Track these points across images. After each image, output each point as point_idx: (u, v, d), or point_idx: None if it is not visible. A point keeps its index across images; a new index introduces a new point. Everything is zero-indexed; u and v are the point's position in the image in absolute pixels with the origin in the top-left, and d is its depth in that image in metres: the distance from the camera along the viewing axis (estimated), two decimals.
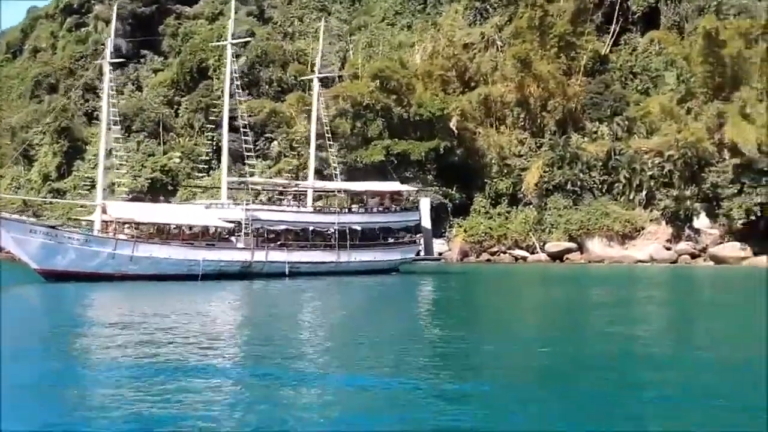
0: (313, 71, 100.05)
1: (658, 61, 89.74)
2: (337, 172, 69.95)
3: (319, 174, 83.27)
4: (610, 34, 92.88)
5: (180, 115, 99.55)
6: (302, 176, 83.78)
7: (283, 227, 58.98)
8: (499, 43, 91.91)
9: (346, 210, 64.51)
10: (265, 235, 58.22)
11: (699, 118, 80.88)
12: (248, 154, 64.47)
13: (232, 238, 57.30)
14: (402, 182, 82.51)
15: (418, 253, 65.63)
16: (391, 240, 64.36)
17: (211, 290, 46.91)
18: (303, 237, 60.12)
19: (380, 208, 65.73)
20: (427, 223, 65.85)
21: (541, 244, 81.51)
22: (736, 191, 76.22)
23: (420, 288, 53.60)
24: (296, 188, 68.56)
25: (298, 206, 64.16)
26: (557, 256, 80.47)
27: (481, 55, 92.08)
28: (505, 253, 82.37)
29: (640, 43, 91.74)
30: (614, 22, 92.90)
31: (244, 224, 56.81)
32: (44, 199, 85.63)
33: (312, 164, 69.18)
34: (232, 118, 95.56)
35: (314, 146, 69.58)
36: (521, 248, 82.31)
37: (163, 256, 52.91)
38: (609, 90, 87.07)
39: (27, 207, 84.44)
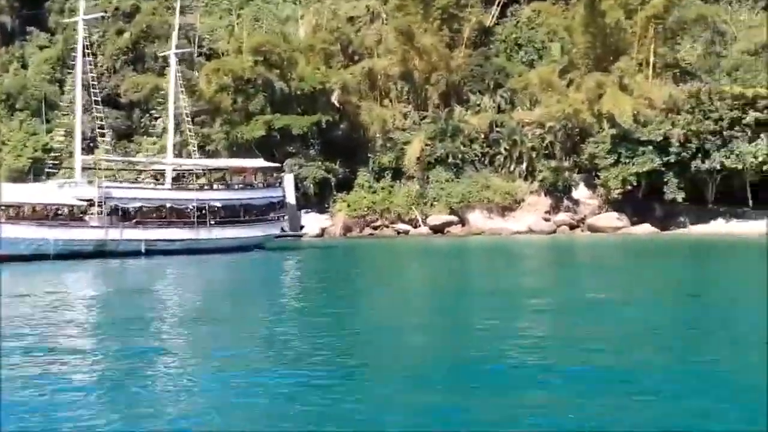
0: (201, 45, 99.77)
1: (542, 32, 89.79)
2: (195, 149, 68.83)
3: (201, 150, 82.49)
4: (495, 5, 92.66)
5: (66, 92, 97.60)
6: (185, 153, 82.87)
7: (138, 205, 57.92)
8: (384, 15, 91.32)
9: (207, 187, 63.47)
10: (121, 213, 57.11)
11: (580, 89, 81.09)
12: (101, 131, 62.70)
13: (87, 217, 56.23)
14: (285, 157, 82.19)
15: (282, 230, 64.92)
16: (253, 217, 63.51)
17: (60, 270, 45.77)
18: (162, 215, 59.26)
19: (242, 185, 64.87)
20: (291, 199, 65.31)
21: (424, 217, 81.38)
22: (613, 162, 76.58)
23: (277, 265, 53.01)
24: (153, 166, 67.36)
25: (155, 184, 63.10)
26: (439, 229, 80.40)
27: (367, 28, 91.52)
28: (388, 227, 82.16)
29: (523, 14, 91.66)
30: None
31: (98, 202, 55.73)
32: None
33: (171, 141, 67.71)
34: (116, 95, 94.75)
35: (173, 124, 68.07)
36: (404, 222, 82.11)
37: (11, 235, 51.72)
38: (489, 62, 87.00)
39: None
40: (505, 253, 59.06)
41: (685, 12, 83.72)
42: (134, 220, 57.22)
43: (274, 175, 67.95)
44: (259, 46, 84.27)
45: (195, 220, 59.36)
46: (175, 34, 71.88)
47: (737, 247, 59.47)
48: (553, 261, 53.32)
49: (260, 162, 68.00)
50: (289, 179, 66.55)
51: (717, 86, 77.09)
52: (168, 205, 59.40)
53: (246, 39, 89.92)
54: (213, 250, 58.35)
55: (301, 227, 76.99)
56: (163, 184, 64.71)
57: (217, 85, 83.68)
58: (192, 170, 67.12)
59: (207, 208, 59.99)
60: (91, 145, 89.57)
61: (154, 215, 58.85)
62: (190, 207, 59.71)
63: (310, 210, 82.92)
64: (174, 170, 67.05)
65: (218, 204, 61.22)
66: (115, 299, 32.77)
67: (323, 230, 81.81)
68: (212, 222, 60.21)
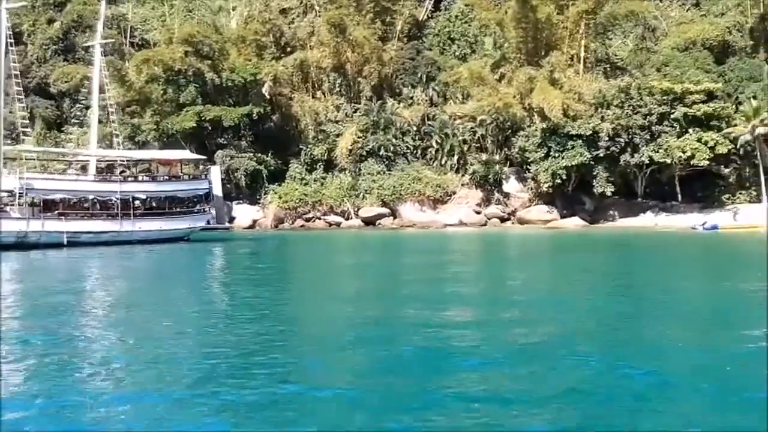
0: (134, 35, 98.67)
1: (474, 27, 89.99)
2: (120, 140, 67.99)
3: (131, 141, 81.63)
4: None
5: None
6: (116, 144, 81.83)
7: (60, 196, 57.03)
8: (317, 8, 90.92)
9: (131, 178, 62.56)
10: (43, 204, 56.20)
11: (511, 83, 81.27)
12: (24, 122, 61.68)
13: (8, 208, 55.23)
14: (217, 149, 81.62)
15: (208, 222, 64.30)
16: (179, 209, 62.81)
17: None
18: (85, 206, 58.43)
19: (168, 177, 64.17)
20: (218, 191, 64.71)
21: (356, 209, 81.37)
22: (543, 155, 76.86)
23: (197, 257, 52.20)
24: (75, 157, 66.41)
25: (78, 175, 62.19)
26: (370, 221, 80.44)
27: (300, 20, 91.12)
28: (320, 219, 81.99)
29: (453, 8, 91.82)
30: None
31: (18, 193, 54.79)
32: None
33: (94, 132, 66.61)
34: (45, 84, 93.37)
35: (96, 114, 66.99)
36: (336, 214, 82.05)
37: None
38: (421, 55, 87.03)
39: None
40: (424, 245, 58.74)
41: (615, 8, 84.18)
42: (56, 212, 56.27)
43: (201, 166, 67.31)
44: (189, 37, 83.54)
45: (119, 211, 58.47)
46: (100, 24, 70.67)
47: (652, 239, 60.25)
48: (472, 253, 53.28)
49: (187, 153, 67.50)
50: (215, 171, 65.80)
51: (646, 81, 77.69)
52: (91, 197, 58.42)
53: (177, 29, 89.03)
54: (137, 242, 57.66)
55: (233, 219, 76.73)
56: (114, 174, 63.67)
57: (148, 76, 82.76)
58: (116, 161, 66.01)
59: (131, 199, 59.13)
60: (20, 135, 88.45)
61: (77, 207, 57.89)
62: (114, 199, 58.75)
63: (241, 202, 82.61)
64: (101, 161, 66.14)
65: (143, 196, 60.45)
66: (20, 292, 32.06)
67: (255, 222, 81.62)
68: (136, 214, 59.39)
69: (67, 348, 18.35)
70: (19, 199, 55.11)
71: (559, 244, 58.39)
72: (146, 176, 64.48)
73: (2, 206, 55.23)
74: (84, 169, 67.54)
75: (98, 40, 67.87)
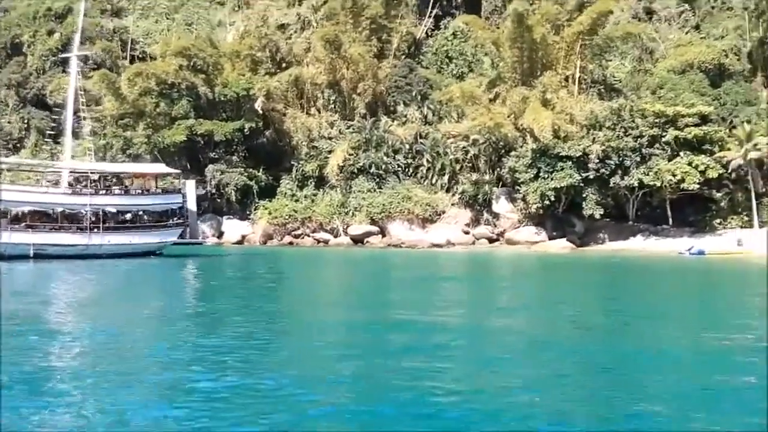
0: (135, 48, 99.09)
1: (469, 45, 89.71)
2: (92, 153, 68.07)
3: (123, 153, 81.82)
4: (427, 17, 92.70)
5: None
6: (109, 157, 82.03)
7: (28, 208, 56.92)
8: (314, 24, 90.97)
9: (103, 191, 62.10)
10: (11, 215, 56.11)
11: (506, 103, 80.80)
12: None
13: None
14: (209, 162, 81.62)
15: (181, 236, 64.00)
16: (150, 223, 62.47)
17: None
18: (54, 218, 58.25)
19: (140, 191, 63.90)
20: (192, 206, 64.45)
21: (345, 227, 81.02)
22: (532, 176, 76.18)
23: (165, 273, 51.99)
24: (50, 169, 66.28)
25: (48, 187, 62.03)
26: (359, 239, 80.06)
27: (297, 36, 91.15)
28: (309, 236, 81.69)
29: (450, 27, 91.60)
30: (431, 6, 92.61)
31: None
32: None
33: (69, 144, 66.33)
34: (42, 95, 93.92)
35: (71, 125, 66.65)
36: (326, 231, 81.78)
37: None
38: (414, 73, 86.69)
39: None
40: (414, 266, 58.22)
41: (612, 29, 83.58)
42: (23, 224, 56.11)
43: (175, 181, 67.15)
44: (183, 50, 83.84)
45: (88, 225, 58.22)
46: (77, 37, 70.41)
47: (632, 264, 59.46)
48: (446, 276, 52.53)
49: (161, 167, 67.27)
50: (190, 185, 65.50)
51: (639, 103, 76.97)
52: (60, 209, 58.19)
53: (174, 43, 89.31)
54: (107, 256, 57.29)
55: (222, 234, 76.63)
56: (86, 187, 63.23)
57: (141, 89, 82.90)
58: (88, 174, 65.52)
59: (101, 213, 58.91)
60: (18, 146, 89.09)
61: (45, 219, 57.68)
62: (83, 211, 58.49)
63: (232, 217, 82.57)
64: (73, 173, 65.93)
65: (113, 209, 60.28)
66: None
67: (244, 237, 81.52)
68: (107, 227, 59.12)
69: None
70: None
71: (528, 269, 57.65)
72: (118, 189, 64.14)
73: None
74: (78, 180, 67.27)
75: (75, 52, 67.61)
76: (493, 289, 42.01)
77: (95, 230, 58.43)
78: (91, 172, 62.60)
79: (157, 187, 64.62)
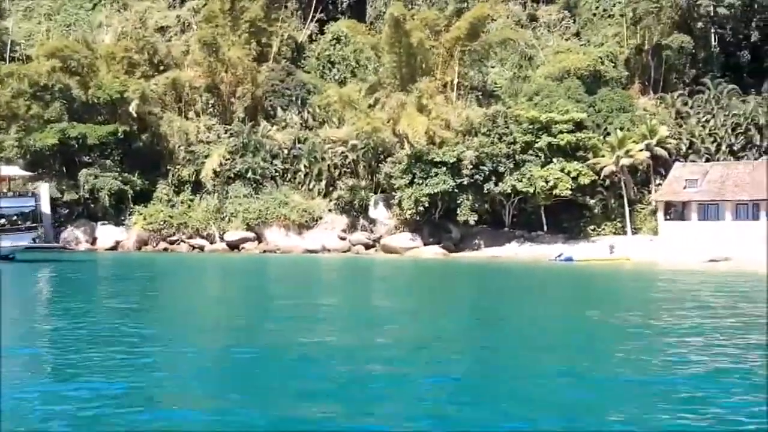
0: (15, 50, 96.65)
1: (350, 50, 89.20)
2: None
3: None
4: (309, 21, 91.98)
5: None
6: None
7: None
8: (194, 27, 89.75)
9: None
10: None
11: (384, 108, 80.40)
12: None
13: None
14: (82, 167, 79.75)
15: (34, 240, 62.32)
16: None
17: None
18: None
19: None
20: (47, 209, 62.90)
21: (221, 233, 79.84)
22: (408, 182, 75.79)
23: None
24: None
25: None
26: (235, 245, 79.06)
27: (177, 38, 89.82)
28: (184, 242, 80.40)
29: (329, 31, 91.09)
30: (314, 10, 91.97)
31: None
32: None
33: None
34: None
35: None
36: (202, 237, 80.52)
37: None
38: (292, 77, 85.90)
39: None
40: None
41: (490, 36, 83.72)
42: None
43: (28, 184, 65.49)
44: (57, 51, 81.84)
45: None
46: None
47: (499, 270, 59.67)
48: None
49: (14, 170, 65.46)
50: (44, 189, 64.00)
51: (514, 110, 77.15)
52: None
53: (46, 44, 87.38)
54: None
55: (95, 239, 74.97)
56: None
57: (14, 90, 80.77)
58: None
59: None
60: None
61: None
62: None
63: (106, 222, 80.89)
64: None
65: None
66: None
67: (118, 243, 79.85)
68: None
69: None
70: None
71: (386, 274, 57.33)
72: None
73: None
74: None
75: None
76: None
77: None
78: None
79: (9, 190, 62.73)
